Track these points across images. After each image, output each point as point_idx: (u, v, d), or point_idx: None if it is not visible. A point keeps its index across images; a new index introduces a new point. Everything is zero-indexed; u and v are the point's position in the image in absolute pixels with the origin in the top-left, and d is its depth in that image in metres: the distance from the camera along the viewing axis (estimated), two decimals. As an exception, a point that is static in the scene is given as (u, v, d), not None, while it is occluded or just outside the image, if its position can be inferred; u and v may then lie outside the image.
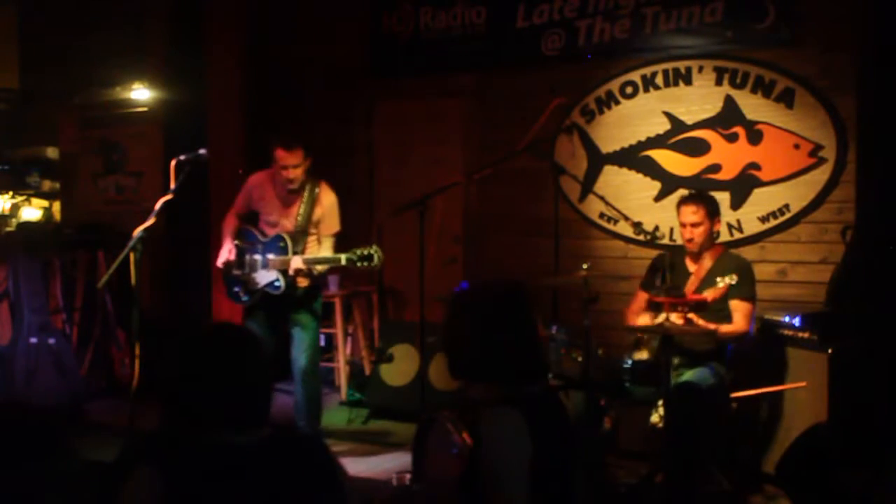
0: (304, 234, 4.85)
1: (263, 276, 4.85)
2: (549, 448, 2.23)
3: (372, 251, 4.51)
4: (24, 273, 5.90)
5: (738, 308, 4.29)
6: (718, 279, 4.13)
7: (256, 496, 1.93)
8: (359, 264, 4.53)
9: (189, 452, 1.93)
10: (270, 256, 4.81)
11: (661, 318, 4.15)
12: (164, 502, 1.83)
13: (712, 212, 4.44)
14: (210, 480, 1.89)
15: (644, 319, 4.42)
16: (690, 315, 4.03)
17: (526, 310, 2.39)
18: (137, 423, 4.28)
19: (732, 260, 4.45)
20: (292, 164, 4.74)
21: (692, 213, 4.39)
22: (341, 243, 4.95)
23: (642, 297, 4.61)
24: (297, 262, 4.70)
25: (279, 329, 5.03)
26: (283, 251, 4.77)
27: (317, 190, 4.90)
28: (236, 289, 4.98)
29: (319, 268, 4.83)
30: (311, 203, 4.87)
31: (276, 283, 4.80)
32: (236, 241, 4.97)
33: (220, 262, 4.95)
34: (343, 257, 4.58)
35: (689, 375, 4.24)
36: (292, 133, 4.98)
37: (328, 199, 4.92)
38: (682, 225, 4.43)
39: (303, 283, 4.89)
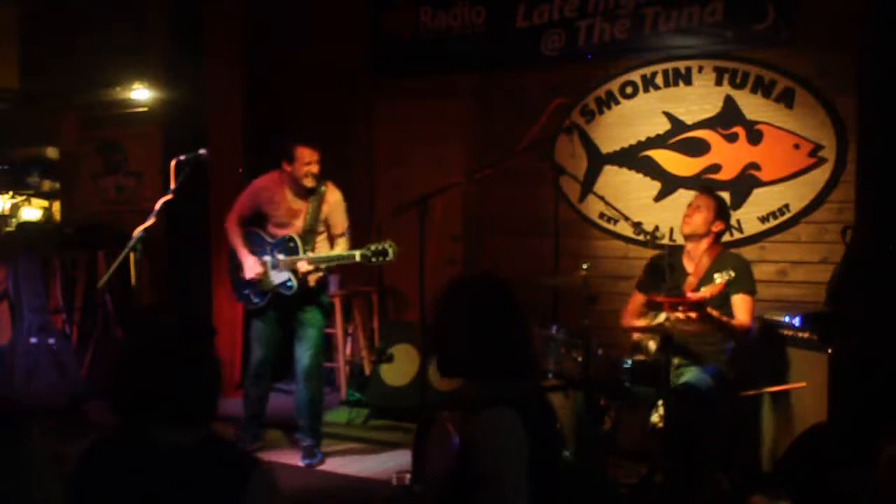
0: (313, 232, 4.91)
1: (276, 277, 4.87)
2: (543, 444, 2.23)
3: (386, 246, 4.57)
4: (24, 273, 5.90)
5: (740, 302, 4.28)
6: (716, 275, 4.13)
7: (167, 497, 1.90)
8: (373, 259, 4.58)
9: (116, 446, 1.93)
10: (281, 257, 4.85)
11: (661, 317, 4.15)
12: (74, 487, 1.84)
13: (718, 208, 4.47)
14: (115, 474, 1.89)
15: (642, 322, 4.42)
16: (711, 311, 4.03)
17: (508, 303, 2.33)
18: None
19: (730, 258, 4.46)
20: (316, 160, 4.90)
21: (696, 198, 4.53)
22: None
23: (639, 298, 4.61)
24: (303, 266, 4.76)
25: (286, 327, 5.04)
26: (294, 251, 4.82)
27: (323, 189, 4.98)
28: (246, 291, 5.00)
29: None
30: (318, 202, 4.95)
31: (289, 284, 4.84)
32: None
33: (249, 275, 4.92)
34: (357, 254, 4.63)
35: (689, 376, 4.24)
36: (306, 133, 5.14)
37: (334, 197, 5.02)
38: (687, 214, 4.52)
39: (313, 280, 4.92)
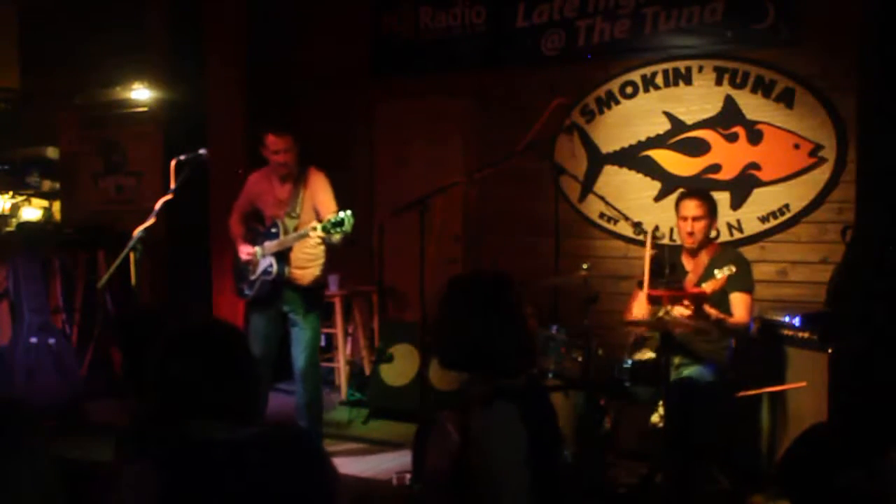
0: (296, 217, 4.85)
1: (261, 264, 4.90)
2: (541, 439, 2.24)
3: (343, 216, 4.34)
4: (24, 273, 5.90)
5: (738, 300, 4.30)
6: (717, 271, 4.12)
7: (246, 491, 1.92)
8: (332, 231, 4.38)
9: (182, 447, 1.93)
10: (266, 243, 4.86)
11: (661, 312, 4.15)
12: (160, 497, 1.83)
13: (712, 209, 4.45)
14: (203, 475, 1.89)
15: (641, 313, 4.41)
16: (706, 307, 4.02)
17: (511, 299, 2.36)
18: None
19: (729, 253, 4.46)
20: (283, 149, 4.81)
21: (695, 208, 4.41)
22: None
23: (639, 294, 4.61)
24: (271, 247, 4.78)
25: (281, 328, 5.04)
26: (276, 235, 4.81)
27: (304, 175, 4.94)
28: (241, 284, 5.03)
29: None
30: (299, 187, 4.90)
31: (269, 269, 4.83)
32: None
33: (243, 257, 4.97)
34: (318, 226, 4.44)
35: (689, 372, 4.24)
36: (287, 125, 5.00)
37: (316, 180, 4.94)
38: (683, 219, 4.43)
39: (301, 277, 4.88)
